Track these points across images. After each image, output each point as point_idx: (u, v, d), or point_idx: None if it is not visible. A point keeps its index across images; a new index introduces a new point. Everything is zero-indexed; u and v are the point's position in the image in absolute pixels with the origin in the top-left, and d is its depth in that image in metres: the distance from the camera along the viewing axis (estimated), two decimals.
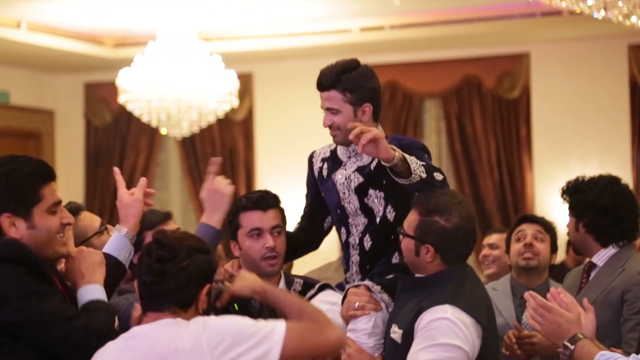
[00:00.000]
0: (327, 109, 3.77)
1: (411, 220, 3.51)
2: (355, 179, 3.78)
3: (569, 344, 2.98)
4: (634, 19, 6.98)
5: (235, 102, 9.36)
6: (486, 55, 10.78)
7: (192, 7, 9.21)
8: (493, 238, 5.74)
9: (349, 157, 3.83)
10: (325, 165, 3.94)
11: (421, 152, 3.70)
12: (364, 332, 3.60)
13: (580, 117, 10.43)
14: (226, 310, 3.08)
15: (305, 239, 4.05)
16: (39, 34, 10.21)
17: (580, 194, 4.26)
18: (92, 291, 3.15)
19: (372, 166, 3.76)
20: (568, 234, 4.38)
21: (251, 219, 3.84)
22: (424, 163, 3.51)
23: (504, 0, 8.97)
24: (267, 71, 11.42)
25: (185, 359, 2.77)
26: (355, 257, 3.79)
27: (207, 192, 3.86)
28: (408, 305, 3.47)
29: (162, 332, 2.83)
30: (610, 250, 4.25)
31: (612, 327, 3.82)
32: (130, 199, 3.70)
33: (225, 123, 11.21)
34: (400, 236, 3.54)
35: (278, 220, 3.87)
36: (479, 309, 3.43)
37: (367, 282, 3.69)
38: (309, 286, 3.91)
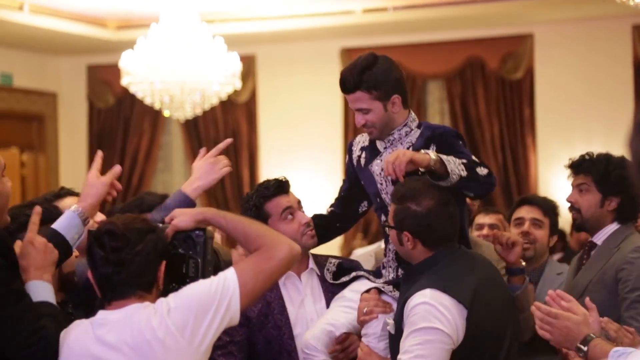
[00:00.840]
0: (357, 110, 3.78)
1: (391, 210, 3.56)
2: None
3: (582, 346, 2.98)
4: None
5: (238, 84, 9.35)
6: (489, 37, 10.76)
7: None
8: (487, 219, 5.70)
9: (385, 148, 3.85)
10: (364, 154, 3.95)
11: (455, 138, 3.73)
12: (374, 336, 3.64)
13: (584, 98, 10.41)
14: (171, 245, 3.03)
15: (337, 222, 4.11)
16: (42, 16, 10.19)
17: (612, 170, 4.26)
18: (43, 290, 3.07)
19: None
20: (579, 211, 4.34)
21: (279, 203, 3.90)
22: (465, 160, 3.53)
23: None
24: (270, 53, 11.41)
25: (159, 347, 2.82)
26: (392, 245, 3.81)
27: (201, 161, 3.81)
28: (404, 296, 3.50)
29: (132, 322, 2.86)
30: (610, 227, 4.26)
31: (607, 308, 3.80)
32: (96, 180, 3.45)
33: (228, 105, 11.20)
34: (386, 229, 3.59)
35: (298, 198, 3.99)
36: (461, 289, 3.41)
37: (378, 285, 3.72)
38: (344, 270, 3.97)
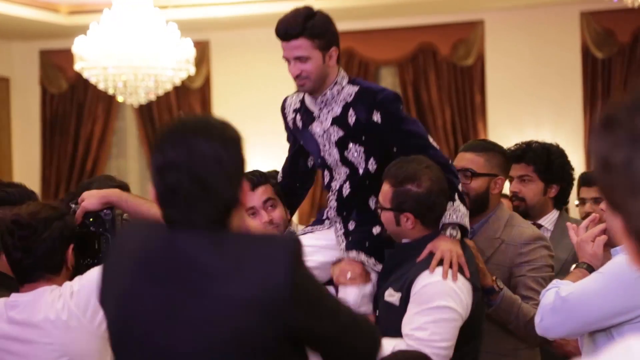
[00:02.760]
0: (296, 58, 3.75)
1: (385, 192, 3.57)
2: (335, 133, 3.79)
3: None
4: None
5: (192, 70, 9.36)
6: (441, 23, 10.86)
7: None
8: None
9: (320, 109, 3.83)
10: (299, 117, 3.94)
11: (396, 104, 3.74)
12: (352, 304, 3.63)
13: (534, 84, 10.57)
14: (83, 225, 3.28)
15: (296, 182, 4.14)
16: None
17: (554, 159, 4.40)
18: None
19: (350, 121, 3.77)
20: (523, 199, 4.46)
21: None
22: (456, 196, 3.64)
23: None
24: (224, 39, 11.43)
25: (63, 326, 3.08)
26: (332, 202, 3.85)
27: None
28: (401, 269, 3.54)
29: (40, 304, 3.12)
30: (553, 213, 4.41)
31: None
32: None
33: (182, 91, 11.22)
34: (379, 210, 3.61)
35: (269, 194, 4.00)
36: (471, 268, 3.53)
37: (361, 257, 3.74)
38: None
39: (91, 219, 3.29)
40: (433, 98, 10.82)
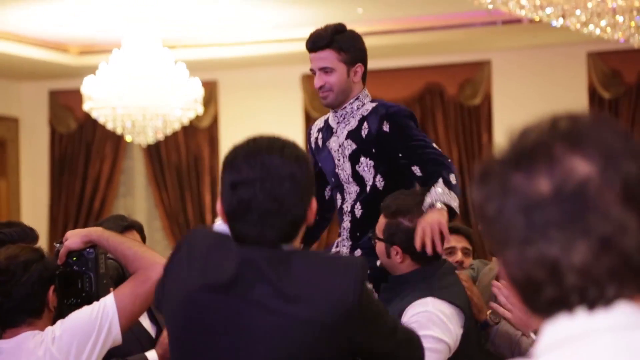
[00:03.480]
0: (321, 69, 3.84)
1: (380, 223, 3.61)
2: (349, 146, 3.87)
3: (533, 335, 3.10)
4: (591, 27, 7.13)
5: (200, 110, 9.41)
6: (448, 63, 10.91)
7: (156, 15, 9.26)
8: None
9: (338, 123, 3.90)
10: (320, 135, 4.03)
11: (408, 119, 3.83)
12: None
13: None
14: (66, 264, 3.24)
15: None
16: (3, 41, 10.20)
17: None
18: None
19: (363, 133, 3.84)
20: None
21: None
22: (441, 180, 3.67)
23: (465, 8, 9.09)
24: (232, 79, 11.48)
25: None
26: (346, 224, 3.88)
27: None
28: (391, 304, 3.53)
29: (22, 351, 3.06)
30: None
31: None
32: None
33: (190, 130, 11.26)
34: (374, 241, 3.63)
35: None
36: (462, 297, 3.53)
37: None
38: None
39: (74, 258, 3.25)
40: (440, 137, 10.84)
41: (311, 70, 3.89)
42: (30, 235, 3.68)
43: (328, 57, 3.83)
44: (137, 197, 11.98)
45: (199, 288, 2.39)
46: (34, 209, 11.76)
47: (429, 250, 3.47)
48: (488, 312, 3.79)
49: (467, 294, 3.62)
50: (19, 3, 9.05)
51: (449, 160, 3.79)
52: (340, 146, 3.89)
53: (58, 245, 3.28)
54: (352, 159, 3.86)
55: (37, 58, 10.69)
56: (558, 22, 7.08)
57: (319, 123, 4.10)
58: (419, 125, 11.22)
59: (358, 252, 3.83)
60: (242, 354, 2.33)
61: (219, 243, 2.44)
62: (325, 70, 3.83)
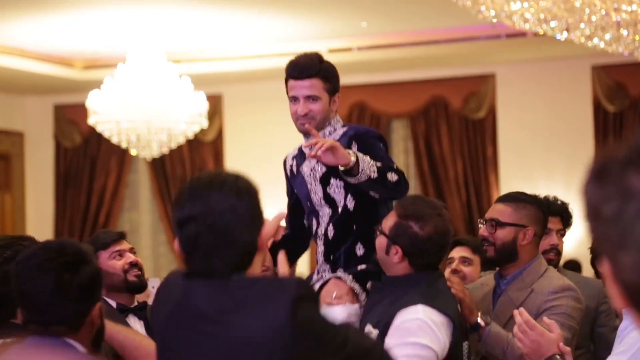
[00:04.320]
0: (307, 97, 3.85)
1: (389, 220, 3.60)
2: (320, 169, 3.89)
3: None
4: (596, 40, 7.13)
5: (204, 123, 9.42)
6: (452, 77, 10.92)
7: (161, 29, 9.29)
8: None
9: (311, 148, 3.93)
10: (295, 162, 4.06)
11: (376, 140, 3.86)
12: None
13: (545, 137, 10.59)
14: None
15: (296, 239, 4.15)
16: (8, 56, 10.24)
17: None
18: None
19: None
20: (559, 253, 4.52)
21: None
22: (379, 164, 3.65)
23: (470, 22, 9.10)
24: (237, 92, 11.50)
25: None
26: (320, 248, 3.91)
27: None
28: (381, 305, 3.55)
29: None
30: None
31: None
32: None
33: (194, 144, 11.27)
34: (377, 232, 3.63)
35: None
36: (452, 306, 3.54)
37: (339, 273, 3.80)
38: None
39: None
40: (445, 151, 10.84)
41: (292, 97, 3.89)
42: None
43: (315, 85, 3.84)
44: (142, 210, 11.98)
45: (162, 324, 2.59)
46: (39, 222, 11.77)
47: (306, 145, 3.63)
48: (479, 313, 3.81)
49: (456, 301, 3.63)
50: (24, 18, 9.08)
51: (405, 184, 3.79)
52: (312, 170, 3.92)
53: None
54: (322, 181, 3.88)
55: (42, 72, 10.72)
56: (562, 36, 7.09)
57: (292, 152, 4.13)
58: (424, 138, 11.20)
59: (340, 272, 3.83)
60: None
61: (176, 282, 2.58)
62: (311, 98, 3.85)
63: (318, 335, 2.45)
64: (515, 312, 3.25)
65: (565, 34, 7.07)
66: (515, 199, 4.08)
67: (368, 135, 3.86)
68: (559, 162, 10.49)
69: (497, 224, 3.99)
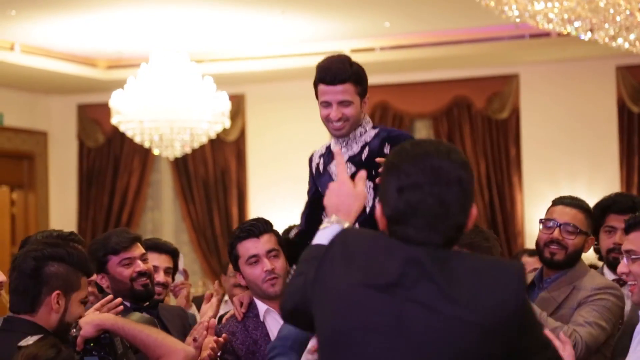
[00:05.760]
0: (340, 102, 3.84)
1: None
2: (349, 169, 3.85)
3: None
4: (620, 40, 7.09)
5: (227, 123, 9.44)
6: (476, 77, 10.88)
7: (184, 29, 9.31)
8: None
9: (341, 148, 3.92)
10: (322, 161, 4.05)
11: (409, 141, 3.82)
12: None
13: (569, 138, 10.53)
14: (85, 351, 3.31)
15: (308, 239, 4.15)
16: (33, 56, 10.28)
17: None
18: None
19: (363, 156, 3.86)
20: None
21: (246, 247, 3.96)
22: None
23: (493, 22, 9.07)
24: (259, 92, 11.51)
25: None
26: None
27: None
28: None
29: None
30: None
31: None
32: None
33: (217, 144, 11.29)
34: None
35: (272, 244, 3.98)
36: None
37: None
38: None
39: (92, 344, 3.33)
40: (468, 151, 10.80)
41: (323, 102, 3.87)
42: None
43: (348, 89, 3.83)
44: (164, 210, 12.01)
45: (361, 285, 2.36)
46: (62, 222, 11.81)
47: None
48: None
49: None
50: (48, 18, 9.13)
51: None
52: None
53: (74, 331, 3.34)
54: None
55: (66, 72, 10.76)
56: (586, 36, 7.05)
57: (320, 149, 4.12)
58: (447, 138, 11.21)
59: None
60: (399, 353, 2.31)
61: (380, 242, 2.42)
62: (343, 103, 3.84)
63: (533, 329, 2.40)
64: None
65: (589, 34, 7.03)
66: (583, 207, 4.09)
67: (401, 137, 3.82)
68: (583, 163, 10.43)
69: (576, 230, 4.01)
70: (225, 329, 3.93)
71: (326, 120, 3.88)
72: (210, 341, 3.78)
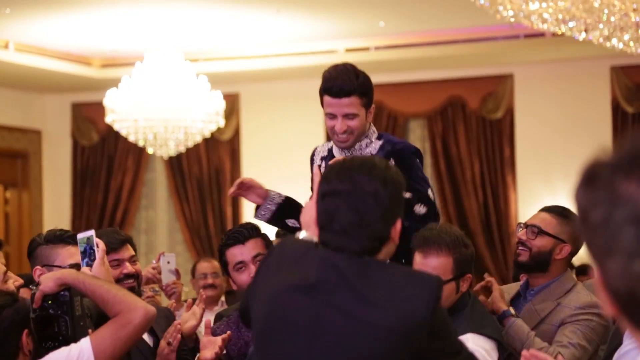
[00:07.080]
0: (345, 115, 3.82)
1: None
2: None
3: None
4: (614, 41, 7.10)
5: (221, 122, 9.43)
6: (470, 77, 10.89)
7: (178, 28, 9.30)
8: None
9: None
10: (324, 164, 4.02)
11: (414, 157, 3.82)
12: None
13: (564, 138, 10.54)
14: (42, 308, 3.19)
15: None
16: (27, 54, 10.27)
17: None
18: None
19: None
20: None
21: (233, 253, 3.97)
22: (408, 195, 3.54)
23: (488, 22, 9.07)
24: (254, 91, 11.50)
25: None
26: None
27: None
28: None
29: None
30: None
31: None
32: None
33: (211, 143, 11.28)
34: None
35: (259, 249, 3.98)
36: (496, 329, 3.61)
37: None
38: None
39: (49, 302, 3.21)
40: (462, 151, 10.81)
41: (329, 114, 3.84)
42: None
43: (353, 102, 3.80)
44: (158, 209, 12.00)
45: (286, 288, 2.56)
46: (56, 220, 11.79)
47: None
48: (510, 305, 3.87)
49: (495, 320, 3.70)
50: (43, 17, 9.11)
51: (434, 216, 3.78)
52: None
53: (34, 288, 3.23)
54: None
55: (60, 71, 10.75)
56: (581, 36, 7.06)
57: (321, 150, 4.09)
58: (441, 138, 11.22)
59: None
60: (314, 353, 2.48)
61: (305, 249, 2.61)
62: (349, 116, 3.82)
63: (444, 337, 2.56)
64: (525, 352, 3.24)
65: (583, 34, 7.03)
66: (562, 213, 4.07)
67: (405, 152, 3.82)
68: (577, 163, 10.33)
69: (539, 231, 4.01)
70: (220, 329, 3.93)
71: (332, 131, 3.88)
72: (208, 341, 3.77)
